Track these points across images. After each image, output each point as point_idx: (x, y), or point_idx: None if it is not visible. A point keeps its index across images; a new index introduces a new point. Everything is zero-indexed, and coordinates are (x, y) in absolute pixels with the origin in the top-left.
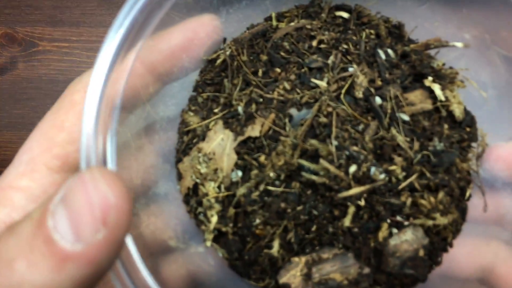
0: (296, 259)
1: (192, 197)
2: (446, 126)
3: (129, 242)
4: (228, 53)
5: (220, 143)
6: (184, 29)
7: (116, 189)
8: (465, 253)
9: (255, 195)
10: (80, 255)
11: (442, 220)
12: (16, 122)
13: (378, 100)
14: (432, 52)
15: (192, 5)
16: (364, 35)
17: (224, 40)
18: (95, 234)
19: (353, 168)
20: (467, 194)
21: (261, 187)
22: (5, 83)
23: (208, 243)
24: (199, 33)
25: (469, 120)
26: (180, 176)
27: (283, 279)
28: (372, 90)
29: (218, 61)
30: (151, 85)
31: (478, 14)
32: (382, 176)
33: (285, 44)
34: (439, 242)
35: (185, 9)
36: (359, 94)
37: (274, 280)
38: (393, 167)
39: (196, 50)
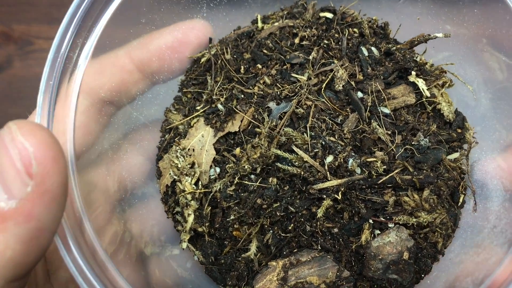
0: (273, 263)
1: (171, 196)
2: (434, 125)
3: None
4: (213, 52)
5: (200, 139)
6: (174, 30)
7: (34, 138)
8: (465, 261)
9: (230, 190)
10: (17, 212)
11: (426, 218)
12: None
13: (359, 94)
14: (419, 52)
15: None
16: (346, 33)
17: (210, 40)
18: (24, 188)
19: (329, 159)
20: (461, 199)
21: (236, 180)
22: (1, 82)
23: (184, 245)
24: (188, 36)
25: (460, 121)
26: (159, 174)
27: (259, 285)
28: (353, 83)
29: (203, 60)
30: (140, 83)
31: (474, 13)
32: (360, 170)
33: (268, 42)
34: (428, 248)
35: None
36: (339, 87)
37: (251, 287)
38: (372, 159)
39: (185, 51)
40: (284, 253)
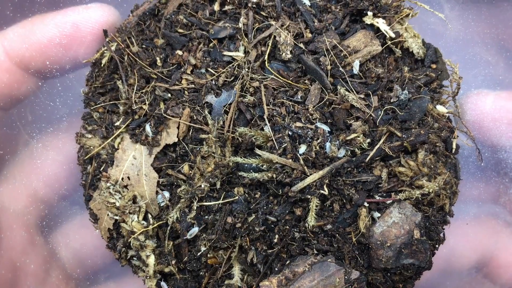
0: (266, 282)
1: (118, 239)
2: (406, 68)
3: None
4: (113, 48)
5: (133, 163)
6: (61, 21)
7: None
8: (464, 243)
9: (191, 217)
10: None
11: (431, 186)
12: None
13: (312, 56)
14: None
15: None
16: None
17: (105, 32)
18: None
19: (302, 149)
20: (453, 144)
21: (195, 205)
22: None
23: None
24: (81, 30)
25: (432, 55)
26: (95, 218)
27: None
28: (302, 46)
29: (104, 61)
30: (26, 83)
31: None
32: (342, 151)
33: (181, 17)
34: (435, 214)
35: None
36: (287, 54)
37: None
38: (352, 136)
39: (76, 48)
40: (276, 268)
